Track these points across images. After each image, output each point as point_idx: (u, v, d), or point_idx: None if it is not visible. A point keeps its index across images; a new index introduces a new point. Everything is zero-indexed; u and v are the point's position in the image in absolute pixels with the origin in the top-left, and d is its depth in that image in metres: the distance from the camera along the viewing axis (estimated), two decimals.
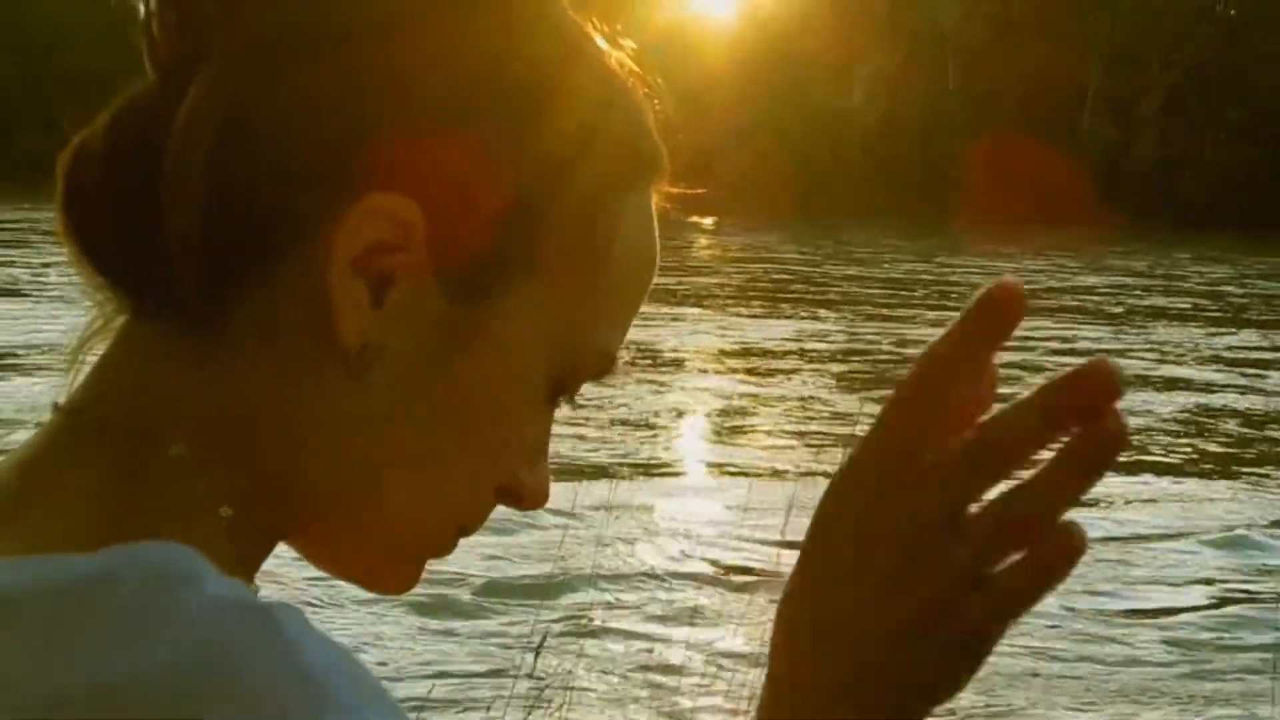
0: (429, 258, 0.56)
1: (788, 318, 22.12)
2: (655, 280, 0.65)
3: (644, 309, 0.67)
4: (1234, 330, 22.80)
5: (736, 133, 54.60)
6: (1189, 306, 26.56)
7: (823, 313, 22.76)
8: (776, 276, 29.23)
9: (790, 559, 0.66)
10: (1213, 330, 22.59)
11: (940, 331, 0.53)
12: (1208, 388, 17.11)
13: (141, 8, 0.57)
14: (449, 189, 0.56)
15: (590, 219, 0.59)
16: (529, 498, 0.64)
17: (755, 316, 21.83)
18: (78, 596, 0.49)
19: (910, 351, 14.51)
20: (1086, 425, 0.53)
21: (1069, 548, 0.53)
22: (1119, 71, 63.49)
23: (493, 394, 0.60)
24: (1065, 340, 19.50)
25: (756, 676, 3.72)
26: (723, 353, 17.79)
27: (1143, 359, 19.25)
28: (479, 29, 0.57)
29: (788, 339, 18.99)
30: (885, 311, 23.32)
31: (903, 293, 26.83)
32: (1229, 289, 30.66)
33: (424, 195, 0.55)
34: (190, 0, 0.56)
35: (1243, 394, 16.63)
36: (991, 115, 62.51)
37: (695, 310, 21.75)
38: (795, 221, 45.12)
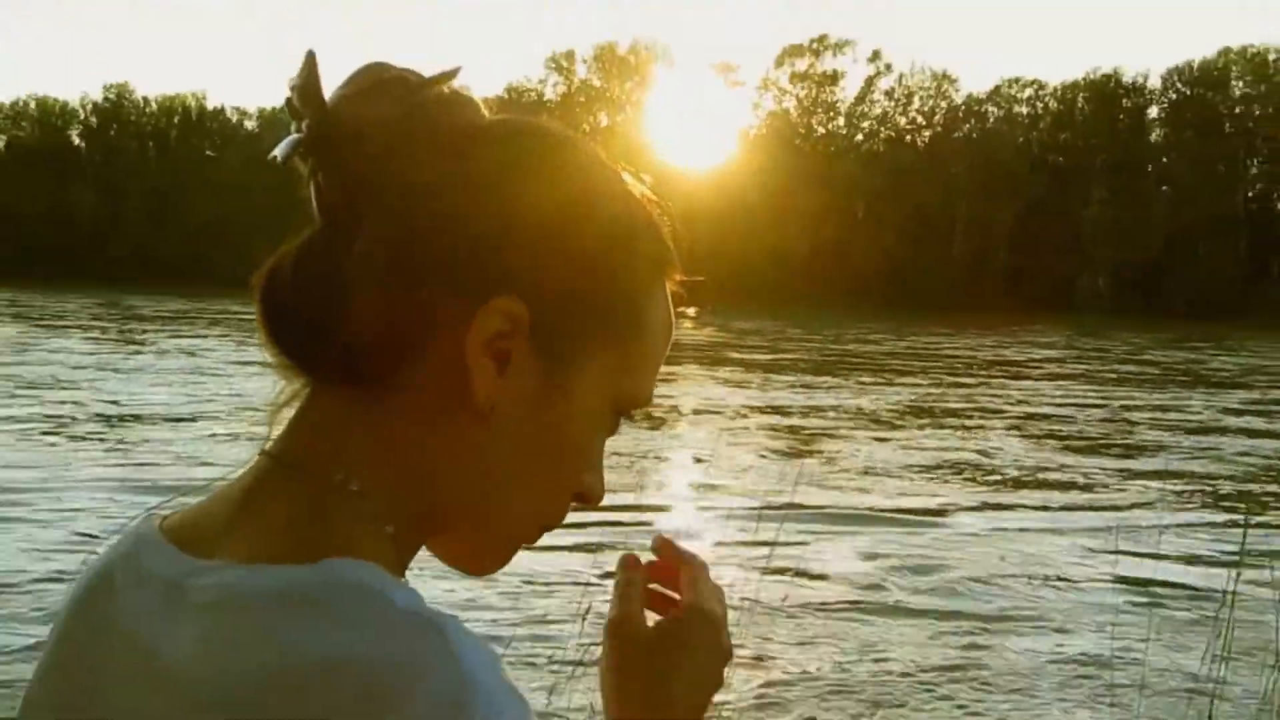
0: (531, 339, 0.72)
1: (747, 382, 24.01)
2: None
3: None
4: (1097, 388, 24.38)
5: (710, 252, 67.41)
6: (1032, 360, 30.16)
7: (774, 377, 24.86)
8: (737, 345, 33.46)
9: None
10: (1050, 384, 24.65)
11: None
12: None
13: (304, 170, 0.72)
14: (543, 293, 0.72)
15: (634, 306, 0.77)
16: (594, 499, 0.81)
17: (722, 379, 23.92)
18: (300, 598, 0.63)
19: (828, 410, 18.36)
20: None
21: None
22: (978, 204, 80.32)
23: (575, 429, 0.77)
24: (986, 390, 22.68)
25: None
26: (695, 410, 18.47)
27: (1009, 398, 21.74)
28: (556, 180, 0.74)
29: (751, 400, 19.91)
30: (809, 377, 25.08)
31: (829, 360, 29.57)
32: (1086, 352, 33.86)
33: (528, 298, 0.71)
34: (342, 166, 0.71)
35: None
36: (887, 237, 79.04)
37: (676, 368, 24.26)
38: (755, 312, 52.21)
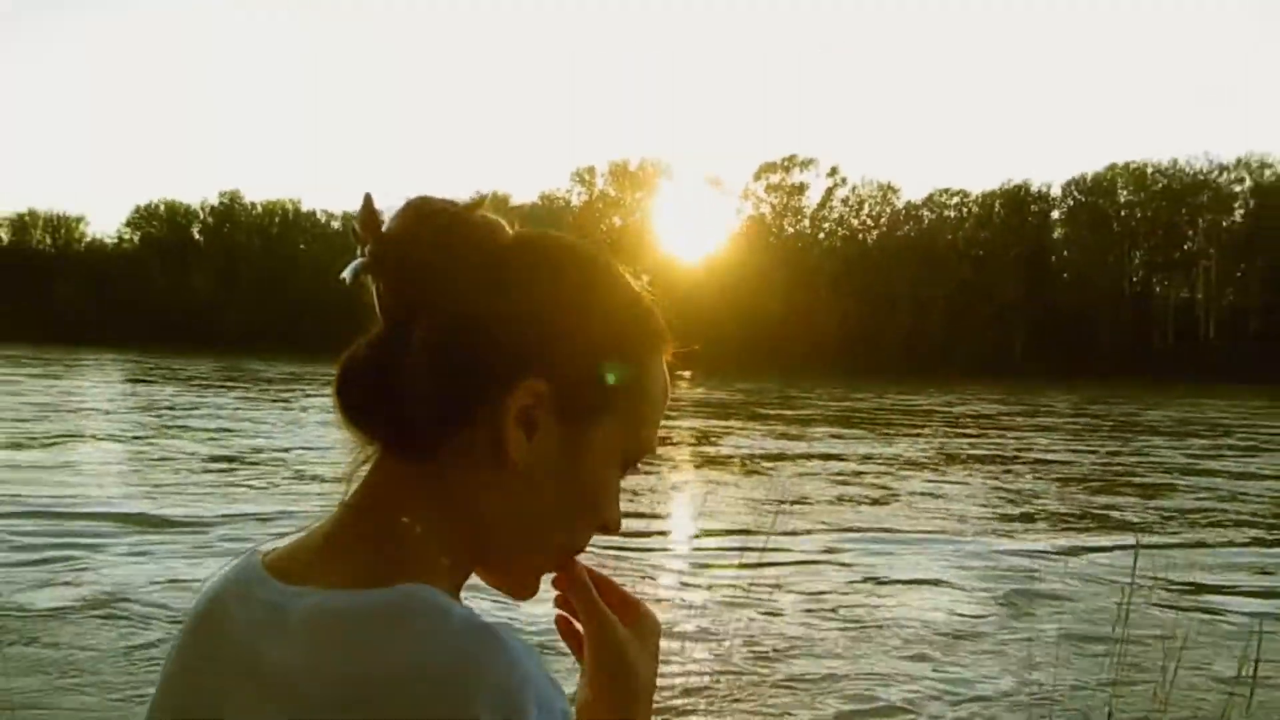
0: (554, 409, 0.74)
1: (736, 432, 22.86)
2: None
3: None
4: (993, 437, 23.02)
5: (701, 326, 67.72)
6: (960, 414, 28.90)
7: (755, 426, 24.20)
8: (726, 401, 32.89)
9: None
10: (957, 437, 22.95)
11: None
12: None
13: (371, 285, 0.74)
14: (562, 373, 0.73)
15: (637, 375, 0.77)
16: (614, 529, 0.81)
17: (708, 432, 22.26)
18: (381, 615, 0.65)
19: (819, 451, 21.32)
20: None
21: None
22: (917, 288, 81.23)
23: (592, 478, 0.77)
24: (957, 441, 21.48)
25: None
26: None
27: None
28: (569, 283, 0.76)
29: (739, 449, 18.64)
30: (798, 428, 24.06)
31: (813, 414, 28.58)
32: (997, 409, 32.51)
33: (550, 377, 0.73)
34: (397, 282, 0.73)
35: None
36: (843, 314, 79.98)
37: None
38: (737, 375, 51.68)
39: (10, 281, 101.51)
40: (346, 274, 0.74)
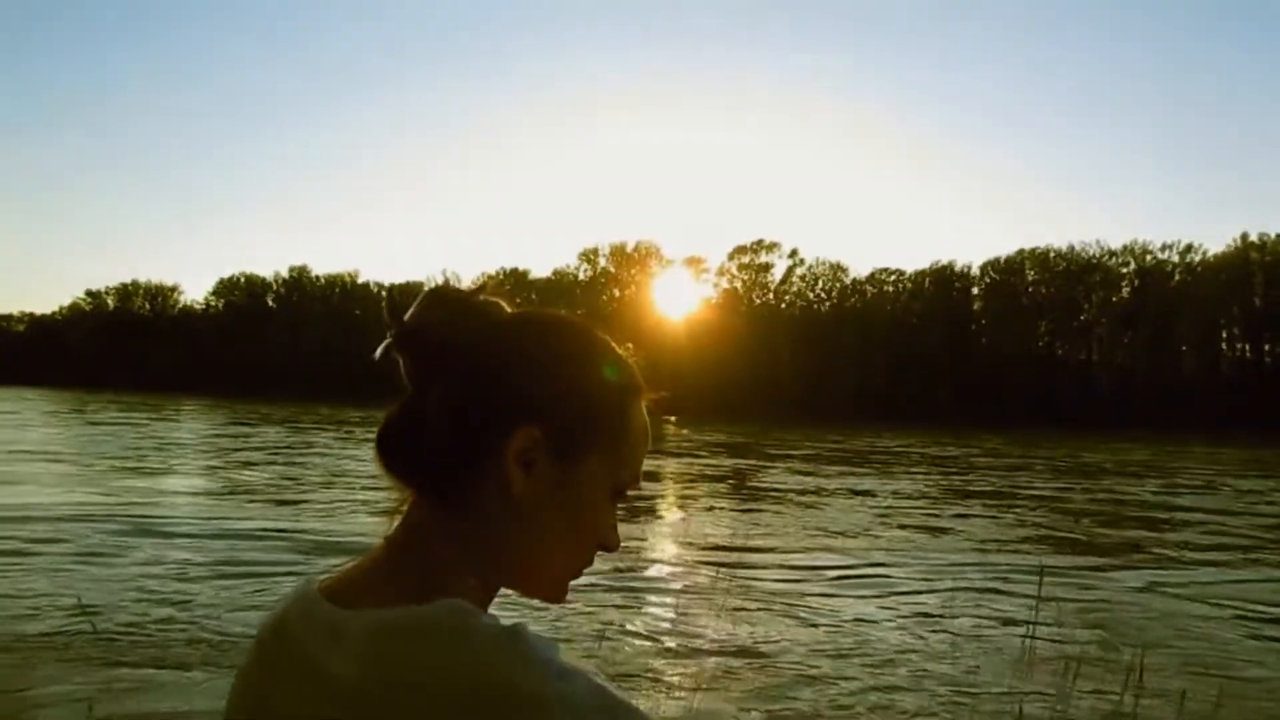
0: (549, 450, 0.74)
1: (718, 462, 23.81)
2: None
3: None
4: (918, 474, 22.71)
5: (682, 380, 69.17)
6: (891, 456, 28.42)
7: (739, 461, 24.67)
8: (705, 442, 32.74)
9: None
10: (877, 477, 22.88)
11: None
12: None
13: (400, 362, 0.77)
14: (555, 420, 0.74)
15: (618, 421, 0.77)
16: (612, 548, 0.80)
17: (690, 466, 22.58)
18: (423, 625, 0.66)
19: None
20: None
21: None
22: (862, 351, 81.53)
23: (585, 507, 0.76)
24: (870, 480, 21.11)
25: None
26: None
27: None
28: (559, 349, 0.77)
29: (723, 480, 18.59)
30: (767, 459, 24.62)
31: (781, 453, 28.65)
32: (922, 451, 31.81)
33: (544, 424, 0.73)
34: (418, 356, 0.75)
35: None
36: (802, 372, 79.92)
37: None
38: (712, 421, 51.59)
39: (116, 341, 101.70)
40: (378, 352, 0.77)
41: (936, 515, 13.74)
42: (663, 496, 15.42)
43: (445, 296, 0.78)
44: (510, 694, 0.62)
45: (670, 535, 11.38)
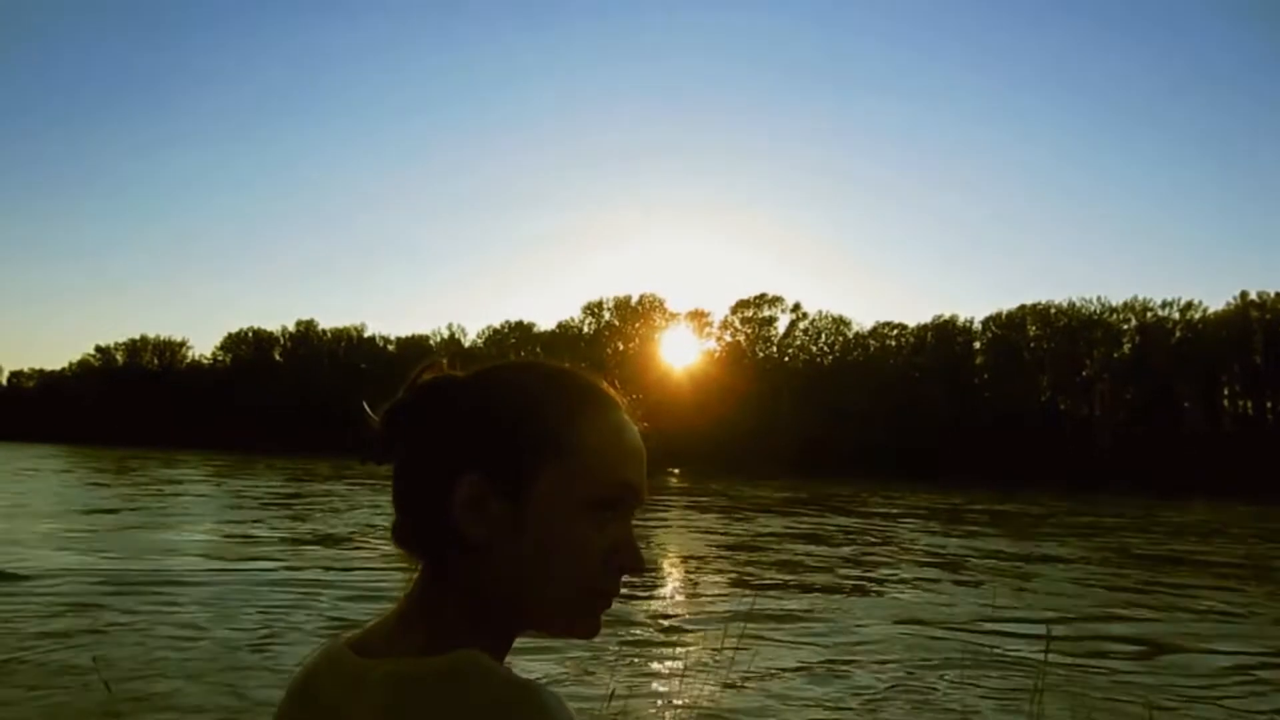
0: (496, 490, 0.73)
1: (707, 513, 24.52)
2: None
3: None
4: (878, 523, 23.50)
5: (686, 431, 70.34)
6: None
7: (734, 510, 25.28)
8: (707, 490, 34.46)
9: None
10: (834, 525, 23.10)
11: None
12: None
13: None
14: (486, 459, 0.74)
15: (556, 437, 0.75)
16: (635, 570, 0.77)
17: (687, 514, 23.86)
18: (442, 676, 0.68)
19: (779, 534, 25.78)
20: None
21: None
22: (864, 403, 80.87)
23: (554, 529, 0.74)
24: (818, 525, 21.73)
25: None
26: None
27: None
28: (483, 391, 0.78)
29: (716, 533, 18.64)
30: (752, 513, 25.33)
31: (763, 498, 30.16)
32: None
33: (480, 467, 0.73)
34: (386, 445, 0.78)
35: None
36: (803, 424, 79.54)
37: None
38: (715, 472, 54.86)
39: (125, 395, 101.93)
40: (369, 454, 0.79)
41: (951, 574, 13.71)
42: (668, 552, 15.44)
43: (425, 371, 0.80)
44: None
45: (676, 591, 11.35)
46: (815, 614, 10.00)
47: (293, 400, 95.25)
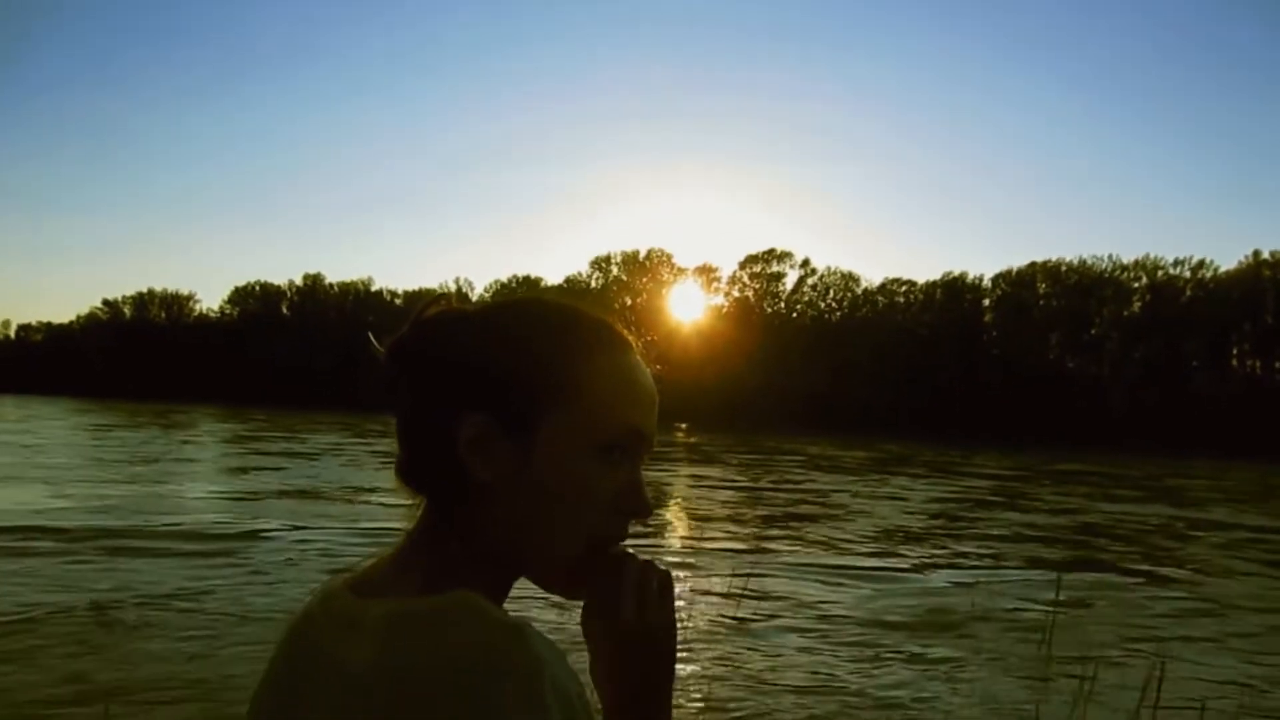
0: (500, 430, 0.72)
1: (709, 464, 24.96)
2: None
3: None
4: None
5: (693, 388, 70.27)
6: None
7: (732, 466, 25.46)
8: (706, 443, 35.38)
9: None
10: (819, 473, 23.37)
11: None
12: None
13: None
14: (491, 398, 0.72)
15: (563, 379, 0.73)
16: (642, 514, 0.76)
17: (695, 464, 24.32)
18: (435, 615, 0.67)
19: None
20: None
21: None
22: (873, 361, 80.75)
23: (560, 473, 0.72)
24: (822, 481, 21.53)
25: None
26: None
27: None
28: (485, 327, 0.76)
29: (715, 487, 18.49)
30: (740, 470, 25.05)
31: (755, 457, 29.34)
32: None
33: (484, 406, 0.71)
34: (389, 382, 0.76)
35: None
36: (812, 381, 79.32)
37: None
38: (718, 428, 54.89)
39: (132, 349, 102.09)
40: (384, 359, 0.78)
41: (955, 525, 13.75)
42: (674, 502, 15.47)
43: (423, 318, 0.78)
44: (504, 684, 0.61)
45: (683, 537, 11.37)
46: (823, 568, 10.02)
47: (301, 353, 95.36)
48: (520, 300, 0.79)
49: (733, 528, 12.42)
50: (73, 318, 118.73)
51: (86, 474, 16.34)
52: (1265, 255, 78.84)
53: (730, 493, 17.61)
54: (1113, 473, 30.66)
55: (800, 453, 33.89)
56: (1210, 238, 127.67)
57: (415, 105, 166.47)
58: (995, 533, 13.28)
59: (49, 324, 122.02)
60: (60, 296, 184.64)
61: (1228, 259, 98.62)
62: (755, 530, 12.31)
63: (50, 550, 8.82)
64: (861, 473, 24.41)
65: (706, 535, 11.66)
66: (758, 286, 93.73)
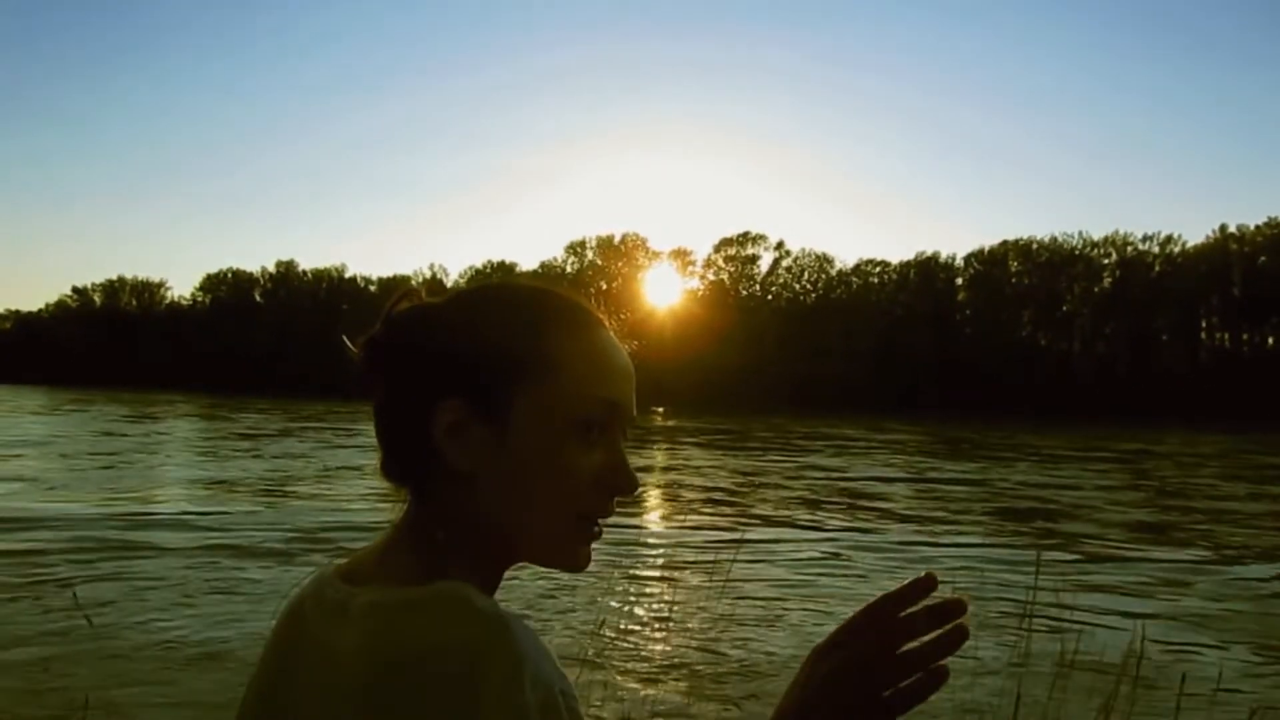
0: (477, 415, 0.71)
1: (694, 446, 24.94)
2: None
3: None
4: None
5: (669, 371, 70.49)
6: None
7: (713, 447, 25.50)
8: (680, 426, 34.41)
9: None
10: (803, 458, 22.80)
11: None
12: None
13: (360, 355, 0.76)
14: (464, 383, 0.71)
15: (535, 356, 0.72)
16: (626, 490, 0.74)
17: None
18: (420, 605, 0.66)
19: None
20: (945, 627, 0.71)
21: (939, 677, 0.71)
22: (847, 341, 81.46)
23: (538, 452, 0.71)
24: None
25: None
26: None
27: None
28: (454, 313, 0.75)
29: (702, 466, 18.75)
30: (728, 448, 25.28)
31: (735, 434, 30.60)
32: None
33: (459, 391, 0.70)
34: (367, 375, 0.75)
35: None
36: (787, 362, 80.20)
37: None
38: (696, 412, 55.11)
39: (103, 338, 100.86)
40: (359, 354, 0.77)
41: (929, 503, 13.68)
42: (655, 484, 15.43)
43: (396, 315, 0.77)
44: (484, 678, 0.61)
45: (665, 520, 11.32)
46: (807, 544, 9.95)
47: (273, 341, 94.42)
48: (490, 285, 0.78)
49: (713, 509, 12.35)
50: (42, 306, 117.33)
51: (54, 464, 16.00)
52: (1232, 229, 79.95)
53: (709, 474, 17.58)
54: (1087, 444, 30.89)
55: (781, 431, 33.81)
56: (1179, 213, 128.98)
57: (385, 88, 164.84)
58: (977, 507, 13.28)
59: (17, 311, 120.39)
60: (29, 284, 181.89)
61: (1196, 234, 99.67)
62: (738, 510, 12.21)
63: (18, 549, 8.57)
64: (843, 453, 24.37)
65: (688, 515, 11.62)
66: (732, 270, 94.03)
